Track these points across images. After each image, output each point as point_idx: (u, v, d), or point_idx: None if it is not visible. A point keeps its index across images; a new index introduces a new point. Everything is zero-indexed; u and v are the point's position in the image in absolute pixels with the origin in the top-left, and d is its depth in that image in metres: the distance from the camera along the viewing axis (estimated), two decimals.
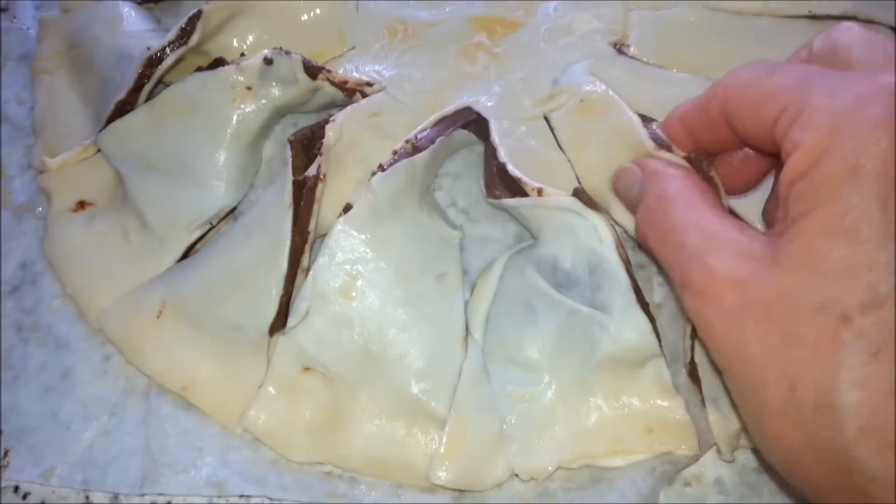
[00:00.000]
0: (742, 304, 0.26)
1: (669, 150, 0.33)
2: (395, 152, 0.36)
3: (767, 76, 0.28)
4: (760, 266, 0.26)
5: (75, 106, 0.43)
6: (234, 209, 0.40)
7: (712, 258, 0.27)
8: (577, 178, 0.37)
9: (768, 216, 0.33)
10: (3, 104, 0.45)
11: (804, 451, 0.25)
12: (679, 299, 0.30)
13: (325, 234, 0.37)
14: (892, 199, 0.23)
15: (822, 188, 0.24)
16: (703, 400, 0.34)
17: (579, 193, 0.33)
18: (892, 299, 0.23)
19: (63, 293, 0.40)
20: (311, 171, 0.36)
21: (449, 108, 0.39)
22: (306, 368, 0.35)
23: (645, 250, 0.37)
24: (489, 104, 0.39)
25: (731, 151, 0.32)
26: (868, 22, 0.40)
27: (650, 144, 0.34)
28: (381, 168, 0.36)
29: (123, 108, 0.40)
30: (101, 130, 0.40)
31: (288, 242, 0.35)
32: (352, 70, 0.42)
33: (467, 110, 0.39)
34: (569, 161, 0.38)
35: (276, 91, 0.39)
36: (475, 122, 0.39)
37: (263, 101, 0.39)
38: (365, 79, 0.40)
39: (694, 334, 0.34)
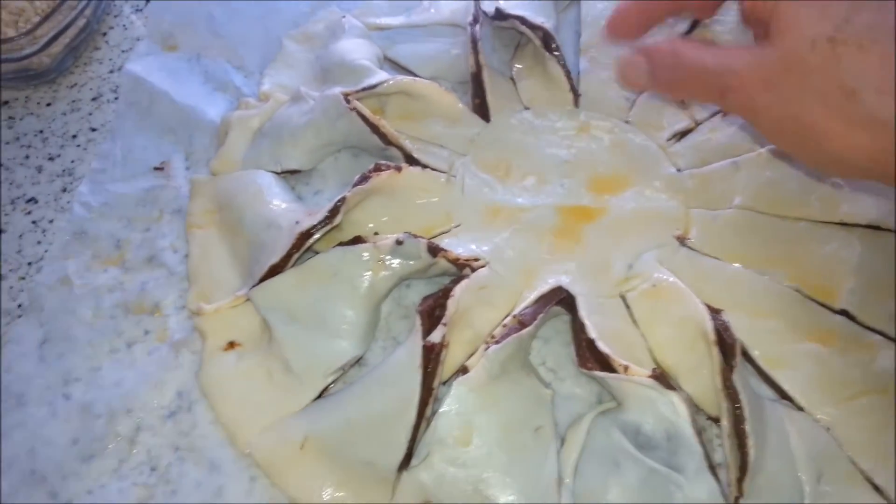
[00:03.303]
0: (768, 76, 0.36)
1: (734, 346, 0.41)
2: (505, 326, 0.45)
3: None
4: (762, 51, 0.37)
5: (225, 259, 0.52)
6: (360, 358, 0.48)
7: (735, 64, 0.37)
8: (650, 351, 0.46)
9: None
10: (160, 252, 0.54)
11: (858, 136, 0.34)
12: (725, 110, 0.45)
13: (441, 382, 0.45)
14: None
15: None
16: None
17: (659, 377, 0.42)
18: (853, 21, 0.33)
19: (215, 420, 0.47)
20: (436, 338, 0.44)
21: (545, 288, 0.47)
22: (426, 502, 0.43)
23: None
24: (574, 282, 0.48)
25: None
26: (888, 231, 0.49)
27: (712, 337, 0.42)
28: (495, 340, 0.44)
29: (275, 270, 0.48)
30: (253, 286, 0.49)
31: (417, 398, 0.43)
32: (456, 244, 0.50)
33: (560, 289, 0.47)
34: (642, 336, 0.46)
35: (402, 264, 0.48)
36: (565, 299, 0.47)
37: (391, 272, 0.48)
38: (473, 256, 0.49)
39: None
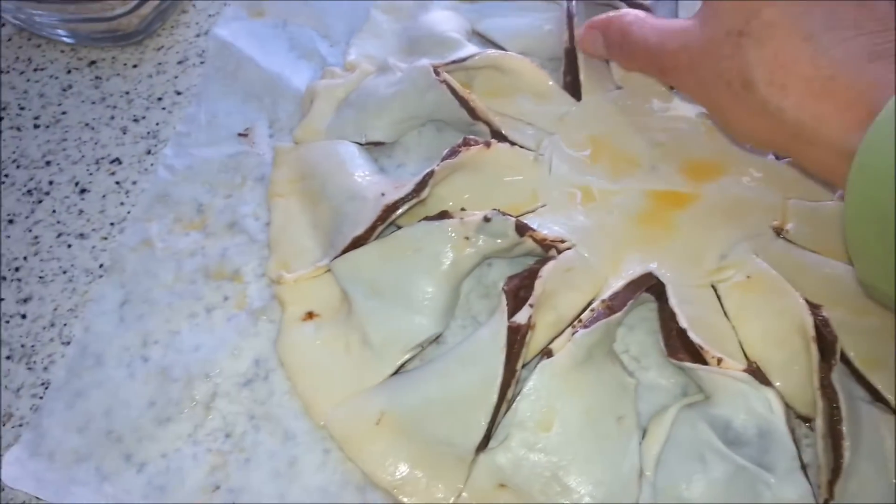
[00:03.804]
0: (691, 59, 0.42)
1: (834, 343, 0.40)
2: (594, 310, 0.44)
3: None
4: (691, 34, 0.42)
5: (306, 229, 0.52)
6: (439, 336, 0.48)
7: (669, 45, 0.43)
8: (740, 344, 0.44)
9: None
10: (242, 219, 0.54)
11: (756, 122, 0.39)
12: (666, 84, 0.51)
13: (524, 365, 0.44)
14: None
15: None
16: None
17: (755, 372, 0.40)
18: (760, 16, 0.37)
19: (291, 390, 0.47)
20: (521, 319, 0.43)
21: (634, 273, 0.46)
22: (501, 485, 0.42)
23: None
24: (664, 270, 0.47)
25: None
26: None
27: (811, 333, 0.40)
28: (584, 324, 0.43)
29: (358, 242, 0.48)
30: (335, 257, 0.48)
31: (500, 380, 0.42)
32: (541, 224, 0.49)
33: (650, 276, 0.46)
34: (733, 328, 0.45)
35: (487, 242, 0.47)
36: (654, 286, 0.46)
37: (475, 249, 0.47)
38: (559, 237, 0.48)
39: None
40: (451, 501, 0.43)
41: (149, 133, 0.59)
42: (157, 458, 0.46)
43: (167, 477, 0.45)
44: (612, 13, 0.49)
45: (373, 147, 0.55)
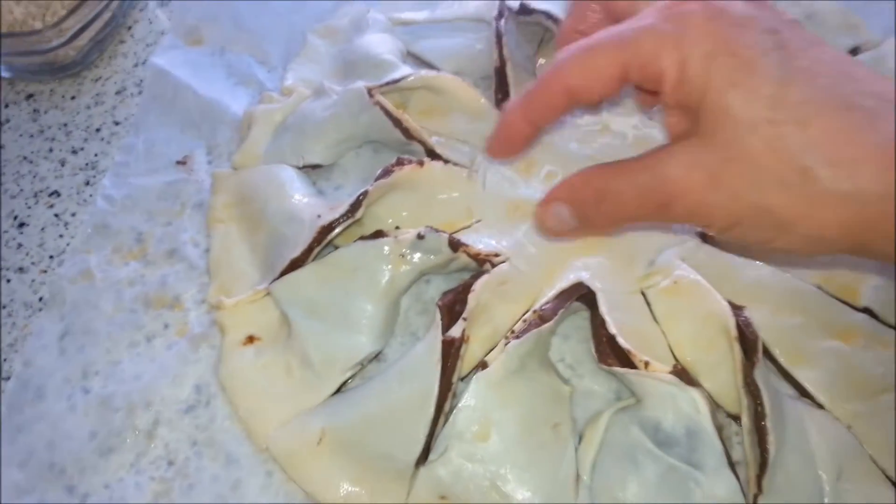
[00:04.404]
0: (712, 173, 0.34)
1: (756, 342, 0.41)
2: (525, 321, 0.45)
3: (592, 54, 0.36)
4: (695, 147, 0.35)
5: (245, 254, 0.52)
6: (378, 353, 0.48)
7: (670, 171, 0.35)
8: (670, 347, 0.45)
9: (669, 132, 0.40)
10: (182, 246, 0.54)
11: (824, 214, 0.32)
12: (671, 221, 0.37)
13: (461, 378, 0.45)
14: (722, 51, 0.33)
15: (695, 79, 0.34)
16: None
17: (680, 373, 0.41)
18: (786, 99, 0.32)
19: (233, 415, 0.48)
20: (456, 333, 0.44)
21: (564, 283, 0.47)
22: (442, 497, 0.43)
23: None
24: (594, 278, 0.48)
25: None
26: None
27: (734, 333, 0.42)
28: (515, 335, 0.44)
29: (296, 264, 0.48)
30: (274, 280, 0.49)
31: (436, 392, 0.43)
32: (477, 239, 0.50)
33: (581, 285, 0.47)
34: (662, 332, 0.46)
35: (422, 259, 0.48)
36: (585, 295, 0.47)
37: (411, 266, 0.48)
38: (493, 252, 0.49)
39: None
40: None
41: (87, 164, 0.59)
42: (100, 489, 0.46)
43: None
44: (570, 176, 0.39)
45: (311, 170, 0.55)
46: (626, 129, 0.54)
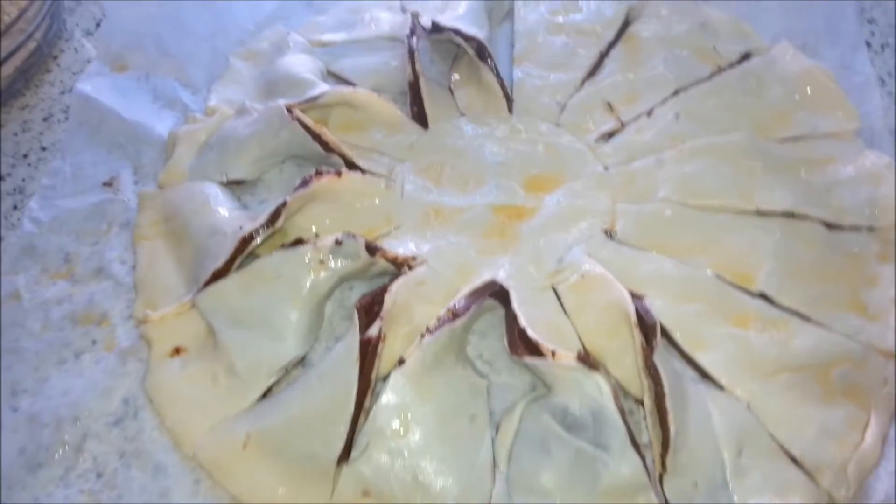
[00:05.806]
0: None
1: (654, 327, 0.43)
2: (439, 318, 0.47)
3: None
4: None
5: (171, 268, 0.53)
6: (303, 358, 0.50)
7: None
8: (580, 338, 0.47)
9: None
10: (109, 264, 0.55)
11: None
12: None
13: (381, 377, 0.46)
14: None
15: None
16: None
17: (583, 358, 0.43)
18: None
19: (161, 425, 0.48)
20: (373, 332, 0.46)
21: (478, 282, 0.49)
22: (365, 493, 0.44)
23: None
24: (508, 277, 0.50)
25: None
26: (804, 217, 0.51)
27: (633, 319, 0.44)
28: (429, 331, 0.46)
29: (219, 275, 0.50)
30: (198, 292, 0.50)
31: (355, 390, 0.44)
32: (397, 245, 0.52)
33: (493, 283, 0.49)
34: (572, 324, 0.48)
35: (342, 264, 0.49)
36: (498, 292, 0.49)
37: (331, 272, 0.49)
38: (411, 255, 0.51)
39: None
40: None
41: (15, 189, 0.60)
42: None
43: None
44: None
45: (236, 186, 0.57)
46: (536, 137, 0.56)
